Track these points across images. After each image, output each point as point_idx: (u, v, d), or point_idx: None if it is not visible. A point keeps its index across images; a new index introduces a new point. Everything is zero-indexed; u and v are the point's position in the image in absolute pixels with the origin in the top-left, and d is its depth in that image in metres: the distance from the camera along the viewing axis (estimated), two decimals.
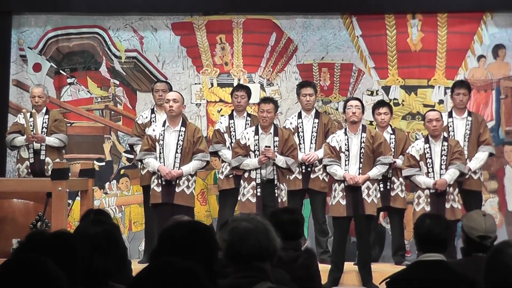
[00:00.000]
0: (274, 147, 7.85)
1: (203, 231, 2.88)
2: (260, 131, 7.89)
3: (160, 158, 7.75)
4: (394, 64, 9.19)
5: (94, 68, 9.42)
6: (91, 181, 7.35)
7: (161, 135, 7.78)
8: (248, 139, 7.89)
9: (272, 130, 7.91)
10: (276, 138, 7.88)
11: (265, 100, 8.01)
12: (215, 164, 8.90)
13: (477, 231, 4.26)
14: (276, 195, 7.78)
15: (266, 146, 7.75)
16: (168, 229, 2.92)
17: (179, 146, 7.76)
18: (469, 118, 8.18)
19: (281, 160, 7.80)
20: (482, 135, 8.14)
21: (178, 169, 7.69)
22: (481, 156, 8.10)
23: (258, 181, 7.80)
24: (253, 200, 7.77)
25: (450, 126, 8.15)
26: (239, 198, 7.90)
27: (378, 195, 7.64)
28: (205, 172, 8.72)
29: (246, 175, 7.85)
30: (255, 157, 7.83)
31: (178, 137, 7.77)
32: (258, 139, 7.87)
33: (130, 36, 9.37)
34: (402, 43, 9.18)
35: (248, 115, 8.44)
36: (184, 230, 2.86)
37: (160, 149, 7.77)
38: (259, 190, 7.79)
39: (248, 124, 8.30)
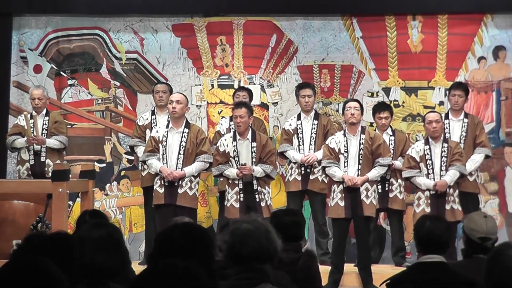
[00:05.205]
0: (251, 153, 7.76)
1: (199, 232, 2.89)
2: (238, 137, 7.80)
3: (163, 159, 7.75)
4: (394, 65, 9.18)
5: (94, 70, 9.42)
6: (91, 182, 7.36)
7: (165, 136, 7.77)
8: (227, 145, 7.81)
9: (249, 136, 7.81)
10: (254, 144, 7.79)
11: (238, 105, 7.88)
12: None
13: (478, 232, 4.26)
14: (258, 200, 7.72)
15: (241, 164, 7.65)
16: (164, 231, 2.93)
17: (182, 148, 7.74)
18: (465, 120, 8.17)
19: (259, 172, 7.70)
20: (478, 137, 8.12)
21: (181, 170, 7.70)
22: (477, 158, 8.08)
23: (241, 186, 7.72)
24: (237, 205, 7.69)
25: (447, 127, 8.13)
26: (224, 204, 7.83)
27: (377, 197, 7.63)
28: (205, 173, 8.69)
29: (230, 180, 7.79)
30: (235, 163, 7.75)
31: (181, 139, 7.75)
32: (236, 145, 7.79)
33: (131, 37, 9.37)
34: (403, 44, 9.18)
35: None
36: (180, 232, 2.86)
37: (163, 150, 7.76)
38: (241, 195, 7.72)
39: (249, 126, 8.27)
